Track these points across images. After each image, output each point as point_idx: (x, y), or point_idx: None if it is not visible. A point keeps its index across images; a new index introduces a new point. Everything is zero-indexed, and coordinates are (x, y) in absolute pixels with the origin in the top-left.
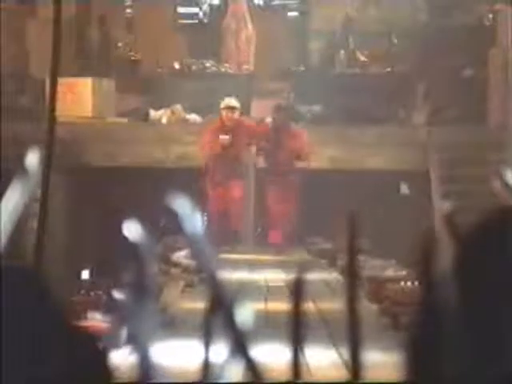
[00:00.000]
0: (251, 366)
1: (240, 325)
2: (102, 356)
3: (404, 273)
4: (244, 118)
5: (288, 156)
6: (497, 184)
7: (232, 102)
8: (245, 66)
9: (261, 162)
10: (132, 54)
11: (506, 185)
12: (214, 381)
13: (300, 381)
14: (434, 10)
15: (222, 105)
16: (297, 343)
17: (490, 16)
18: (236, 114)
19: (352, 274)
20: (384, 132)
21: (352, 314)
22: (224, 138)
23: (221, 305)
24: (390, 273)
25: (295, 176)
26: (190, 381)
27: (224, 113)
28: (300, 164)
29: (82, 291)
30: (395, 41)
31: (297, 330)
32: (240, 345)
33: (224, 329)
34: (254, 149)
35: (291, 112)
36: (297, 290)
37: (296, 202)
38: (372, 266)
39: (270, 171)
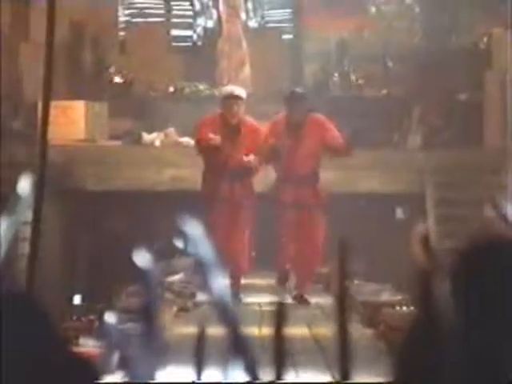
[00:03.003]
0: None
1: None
2: (96, 380)
3: (399, 297)
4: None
5: (305, 164)
6: (489, 210)
7: (237, 89)
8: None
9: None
10: (125, 76)
11: (498, 211)
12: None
13: (297, 381)
14: (429, 33)
15: (224, 93)
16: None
17: (485, 39)
18: (241, 106)
19: (342, 297)
20: (379, 155)
21: (342, 335)
22: (219, 140)
23: (227, 324)
24: (385, 297)
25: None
26: None
27: (226, 105)
28: (336, 155)
29: (74, 316)
30: (390, 64)
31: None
32: (249, 366)
33: (232, 350)
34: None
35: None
36: (279, 315)
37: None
38: (367, 291)
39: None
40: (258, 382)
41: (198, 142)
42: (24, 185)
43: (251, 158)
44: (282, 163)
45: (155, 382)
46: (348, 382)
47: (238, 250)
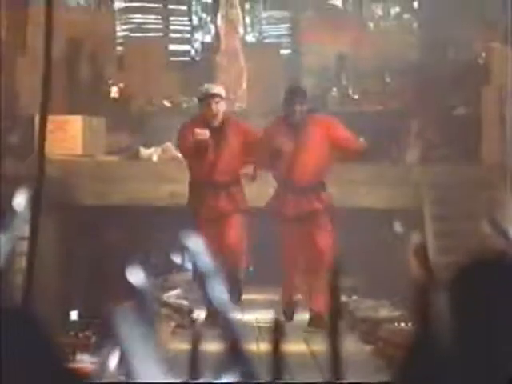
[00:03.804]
0: None
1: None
2: None
3: (398, 313)
4: (236, 118)
5: (313, 167)
6: (487, 227)
7: (214, 87)
8: (237, 104)
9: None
10: (123, 91)
11: (495, 226)
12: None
13: (291, 381)
14: (428, 48)
15: (200, 93)
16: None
17: (484, 54)
18: (221, 105)
19: (335, 312)
20: (377, 169)
21: (335, 350)
22: (203, 135)
23: (226, 338)
24: (383, 313)
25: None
26: None
27: (204, 105)
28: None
29: (71, 332)
30: (388, 79)
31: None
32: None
33: (230, 364)
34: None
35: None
36: (276, 330)
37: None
38: (365, 307)
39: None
40: (256, 381)
41: (181, 144)
42: (20, 200)
43: (249, 170)
44: (281, 170)
45: (155, 381)
46: (345, 381)
47: (229, 270)
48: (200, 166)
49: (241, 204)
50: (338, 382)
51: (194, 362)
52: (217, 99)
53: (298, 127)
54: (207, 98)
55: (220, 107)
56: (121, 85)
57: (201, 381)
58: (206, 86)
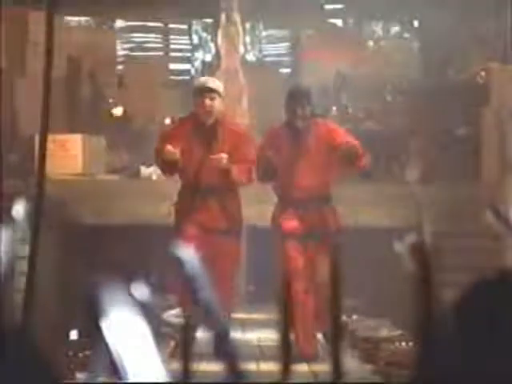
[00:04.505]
0: None
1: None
2: None
3: (398, 333)
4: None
5: (313, 181)
6: (490, 216)
7: (211, 81)
8: (237, 121)
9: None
10: (123, 110)
11: (497, 215)
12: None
13: (290, 381)
14: (428, 67)
15: (195, 86)
16: None
17: (483, 74)
18: (217, 102)
19: (336, 331)
20: (377, 188)
21: (336, 368)
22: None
23: (224, 357)
24: (384, 333)
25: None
26: None
27: (197, 100)
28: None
29: (70, 352)
30: (388, 98)
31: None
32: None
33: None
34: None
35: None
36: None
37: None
38: (366, 326)
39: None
40: (257, 381)
41: (155, 152)
42: (19, 208)
43: (222, 156)
44: (281, 181)
45: (155, 381)
46: (345, 382)
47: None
48: (189, 168)
49: (232, 215)
50: (338, 381)
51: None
52: (212, 95)
53: (299, 134)
54: (202, 92)
55: (215, 104)
56: (121, 104)
57: (198, 381)
58: (202, 78)
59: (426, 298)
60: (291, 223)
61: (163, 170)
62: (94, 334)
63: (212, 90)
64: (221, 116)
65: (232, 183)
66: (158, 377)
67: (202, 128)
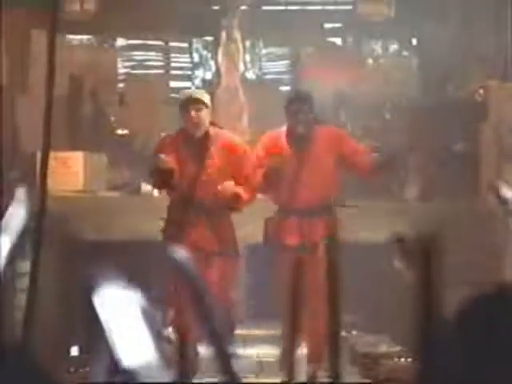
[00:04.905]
0: None
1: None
2: None
3: (397, 349)
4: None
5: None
6: (491, 197)
7: (196, 92)
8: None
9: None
10: (124, 127)
11: (500, 198)
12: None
13: (293, 381)
14: (426, 84)
15: (181, 98)
16: None
17: (482, 91)
18: (204, 113)
19: (334, 346)
20: (377, 205)
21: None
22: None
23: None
24: (383, 349)
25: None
26: None
27: (184, 113)
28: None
29: (72, 368)
30: (387, 115)
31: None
32: None
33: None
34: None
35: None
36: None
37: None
38: (365, 342)
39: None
40: (259, 381)
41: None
42: (20, 194)
43: (239, 189)
44: (281, 191)
45: (155, 381)
46: (345, 382)
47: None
48: (180, 186)
49: (228, 235)
50: (338, 381)
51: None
52: (198, 106)
53: (301, 140)
54: (187, 104)
55: (202, 115)
56: (122, 121)
57: (200, 381)
58: (187, 91)
59: (425, 312)
60: (291, 234)
61: (156, 183)
62: (93, 329)
63: (197, 101)
64: (211, 128)
65: (238, 205)
66: (149, 356)
67: (191, 142)
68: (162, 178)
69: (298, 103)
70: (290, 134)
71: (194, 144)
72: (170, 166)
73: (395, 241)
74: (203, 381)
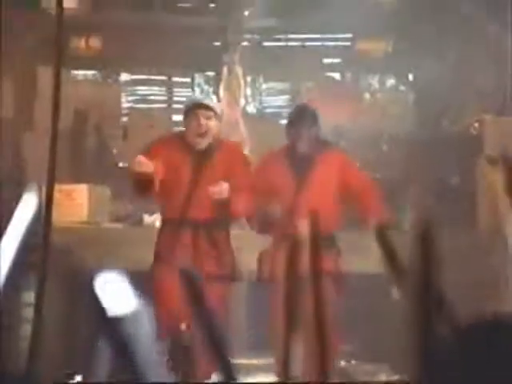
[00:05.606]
0: None
1: None
2: None
3: (396, 377)
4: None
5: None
6: (486, 166)
7: (205, 99)
8: None
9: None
10: (127, 161)
11: (495, 165)
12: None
13: (294, 381)
14: (422, 118)
15: (187, 105)
16: None
17: (477, 125)
18: (213, 124)
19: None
20: (372, 235)
21: None
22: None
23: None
24: (382, 377)
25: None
26: None
27: (190, 119)
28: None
29: None
30: (385, 148)
31: None
32: None
33: None
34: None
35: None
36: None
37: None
38: (364, 371)
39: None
40: (257, 382)
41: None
42: (31, 190)
43: (223, 186)
44: (280, 223)
45: (155, 381)
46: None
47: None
48: (173, 199)
49: (227, 255)
50: (338, 381)
51: None
52: (208, 113)
53: (302, 159)
54: (195, 110)
55: (211, 125)
56: (125, 154)
57: (199, 381)
58: (194, 97)
59: (423, 338)
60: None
61: (134, 188)
62: (98, 328)
63: (208, 108)
64: (216, 141)
65: (229, 216)
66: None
67: (191, 153)
68: (140, 184)
69: (300, 118)
70: (289, 152)
71: (194, 156)
72: (148, 170)
73: (377, 233)
74: (203, 381)
